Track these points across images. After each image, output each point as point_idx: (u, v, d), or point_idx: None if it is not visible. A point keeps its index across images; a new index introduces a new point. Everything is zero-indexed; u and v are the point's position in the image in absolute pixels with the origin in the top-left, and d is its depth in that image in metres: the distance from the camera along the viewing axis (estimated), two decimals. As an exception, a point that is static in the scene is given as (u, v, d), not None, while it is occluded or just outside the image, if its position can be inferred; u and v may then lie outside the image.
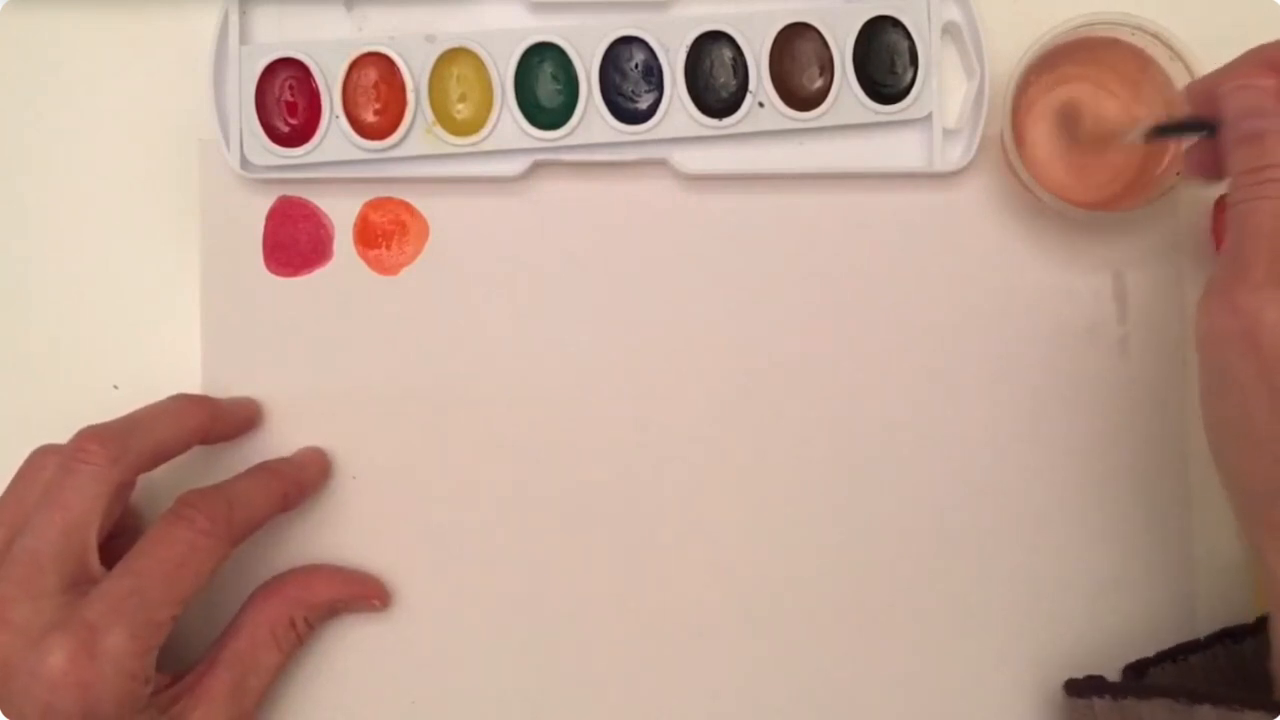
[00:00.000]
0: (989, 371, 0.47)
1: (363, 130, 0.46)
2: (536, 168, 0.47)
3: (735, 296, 0.47)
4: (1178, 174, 0.44)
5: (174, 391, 0.45)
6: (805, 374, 0.47)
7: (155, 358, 0.47)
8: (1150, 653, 0.43)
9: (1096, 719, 0.40)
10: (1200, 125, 0.40)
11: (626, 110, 0.46)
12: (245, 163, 0.46)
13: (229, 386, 0.47)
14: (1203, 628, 0.46)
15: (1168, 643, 0.45)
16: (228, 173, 0.46)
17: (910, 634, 0.47)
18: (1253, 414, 0.35)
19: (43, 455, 0.42)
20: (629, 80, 0.46)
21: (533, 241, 0.47)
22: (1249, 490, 0.36)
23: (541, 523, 0.47)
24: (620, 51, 0.46)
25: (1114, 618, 0.46)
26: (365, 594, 0.46)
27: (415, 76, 0.46)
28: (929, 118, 0.47)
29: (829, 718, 0.46)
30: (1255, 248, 0.35)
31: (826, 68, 0.46)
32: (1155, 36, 0.44)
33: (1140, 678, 0.42)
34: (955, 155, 0.47)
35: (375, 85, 0.46)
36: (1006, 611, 0.47)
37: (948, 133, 0.47)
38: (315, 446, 0.47)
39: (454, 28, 0.47)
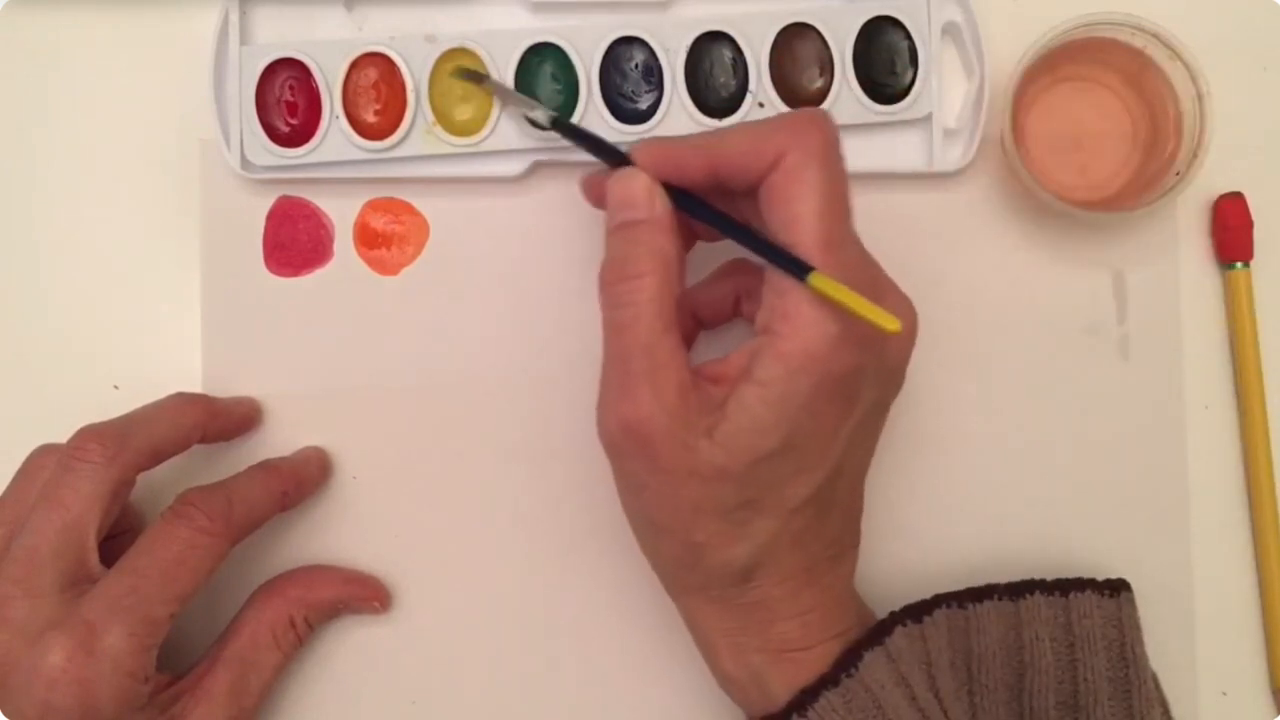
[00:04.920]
0: (988, 371, 0.47)
1: (363, 130, 0.46)
2: (536, 168, 0.47)
3: (735, 296, 0.47)
4: (1178, 174, 0.44)
5: (174, 391, 0.45)
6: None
7: (155, 358, 0.47)
8: (1150, 654, 0.43)
9: (926, 640, 0.41)
10: (612, 154, 0.40)
11: (626, 110, 0.46)
12: (245, 163, 0.46)
13: (229, 386, 0.47)
14: (1202, 627, 0.46)
15: (1167, 642, 0.45)
16: (228, 173, 0.46)
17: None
18: (655, 505, 0.38)
19: (42, 455, 0.42)
20: (629, 80, 0.46)
21: (533, 241, 0.47)
22: (664, 564, 0.41)
23: (542, 522, 0.47)
24: (620, 52, 0.46)
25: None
26: (366, 595, 0.46)
27: (415, 76, 0.46)
28: (929, 118, 0.47)
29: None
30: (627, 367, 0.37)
31: (826, 68, 0.46)
32: (1155, 36, 0.44)
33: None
34: (955, 155, 0.47)
35: (375, 85, 0.46)
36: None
37: (948, 133, 0.47)
38: (315, 446, 0.47)
39: (454, 28, 0.47)
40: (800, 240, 0.36)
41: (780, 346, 0.35)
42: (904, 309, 0.39)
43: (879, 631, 0.40)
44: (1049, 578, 0.42)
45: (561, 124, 0.42)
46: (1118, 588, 0.42)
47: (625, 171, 0.38)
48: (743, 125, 0.38)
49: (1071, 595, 0.42)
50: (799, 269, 0.35)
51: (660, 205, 0.38)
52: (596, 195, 0.40)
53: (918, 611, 0.41)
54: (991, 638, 0.41)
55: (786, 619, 0.39)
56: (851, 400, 0.37)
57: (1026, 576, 0.43)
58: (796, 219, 0.36)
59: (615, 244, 0.38)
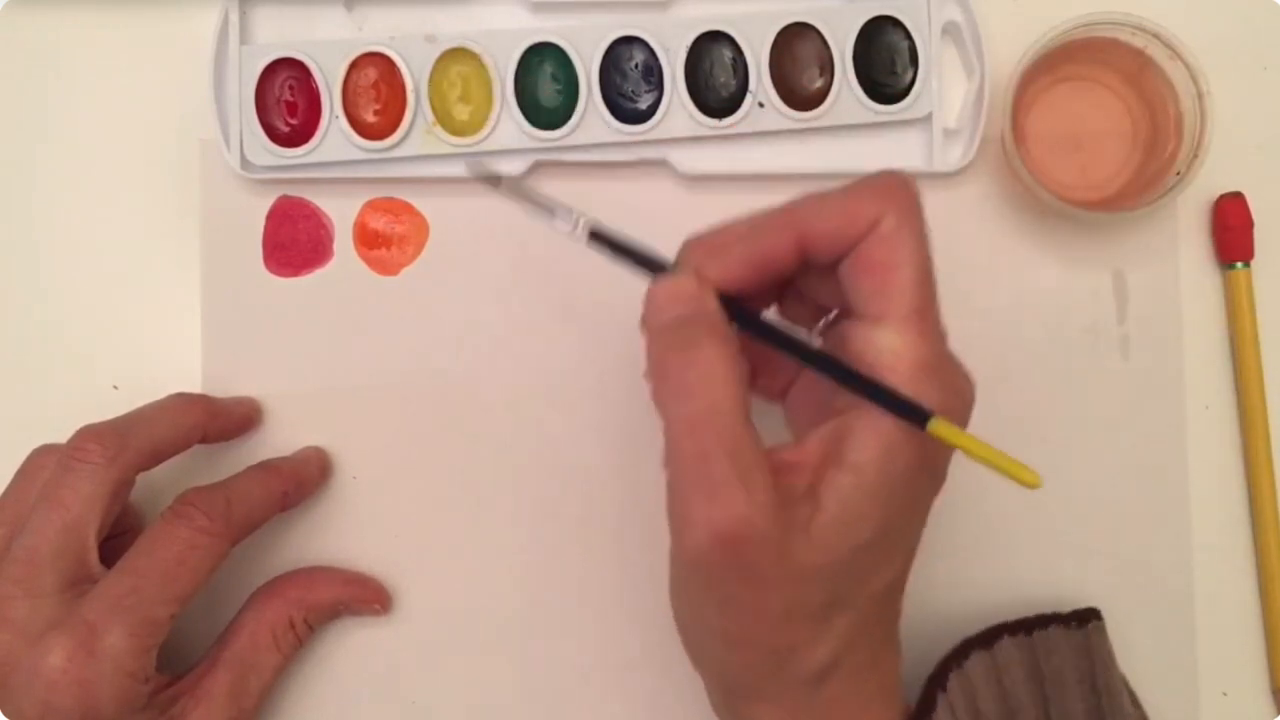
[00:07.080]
0: (988, 371, 0.47)
1: (363, 130, 0.46)
2: (536, 168, 0.47)
3: (735, 296, 0.47)
4: (1178, 174, 0.44)
5: (174, 391, 0.45)
6: (805, 374, 0.47)
7: (155, 358, 0.47)
8: (1150, 655, 0.43)
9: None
10: (652, 264, 0.35)
11: (626, 110, 0.46)
12: (245, 163, 0.46)
13: (229, 386, 0.47)
14: (1202, 628, 0.46)
15: (1167, 643, 0.45)
16: (228, 173, 0.46)
17: (906, 631, 0.46)
18: (738, 618, 0.34)
19: (42, 455, 0.42)
20: (629, 80, 0.46)
21: (533, 241, 0.47)
22: (733, 676, 0.37)
23: (542, 522, 0.47)
24: (620, 51, 0.46)
25: (1113, 618, 0.46)
26: (366, 596, 0.46)
27: (415, 76, 0.46)
28: (929, 118, 0.47)
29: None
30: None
31: (826, 68, 0.47)
32: (1155, 36, 0.44)
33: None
34: (955, 155, 0.47)
35: (375, 85, 0.46)
36: (1005, 611, 0.47)
37: (948, 133, 0.47)
38: (315, 446, 0.47)
39: (454, 28, 0.47)
40: (892, 310, 0.33)
41: (876, 424, 0.33)
42: (966, 385, 0.36)
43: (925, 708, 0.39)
44: (1012, 618, 0.41)
45: (598, 234, 0.36)
46: (1086, 618, 0.42)
47: (666, 275, 0.35)
48: (821, 194, 0.34)
49: (1035, 634, 0.41)
50: (916, 414, 0.33)
51: (711, 303, 0.34)
52: None
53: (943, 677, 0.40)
54: (986, 696, 0.40)
55: (850, 716, 0.36)
56: (939, 473, 0.35)
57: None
58: (891, 287, 0.33)
59: (662, 338, 0.34)
